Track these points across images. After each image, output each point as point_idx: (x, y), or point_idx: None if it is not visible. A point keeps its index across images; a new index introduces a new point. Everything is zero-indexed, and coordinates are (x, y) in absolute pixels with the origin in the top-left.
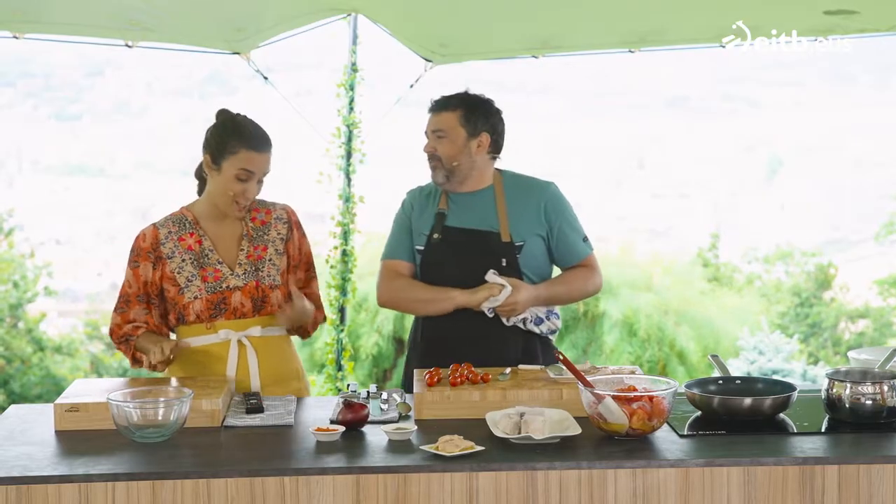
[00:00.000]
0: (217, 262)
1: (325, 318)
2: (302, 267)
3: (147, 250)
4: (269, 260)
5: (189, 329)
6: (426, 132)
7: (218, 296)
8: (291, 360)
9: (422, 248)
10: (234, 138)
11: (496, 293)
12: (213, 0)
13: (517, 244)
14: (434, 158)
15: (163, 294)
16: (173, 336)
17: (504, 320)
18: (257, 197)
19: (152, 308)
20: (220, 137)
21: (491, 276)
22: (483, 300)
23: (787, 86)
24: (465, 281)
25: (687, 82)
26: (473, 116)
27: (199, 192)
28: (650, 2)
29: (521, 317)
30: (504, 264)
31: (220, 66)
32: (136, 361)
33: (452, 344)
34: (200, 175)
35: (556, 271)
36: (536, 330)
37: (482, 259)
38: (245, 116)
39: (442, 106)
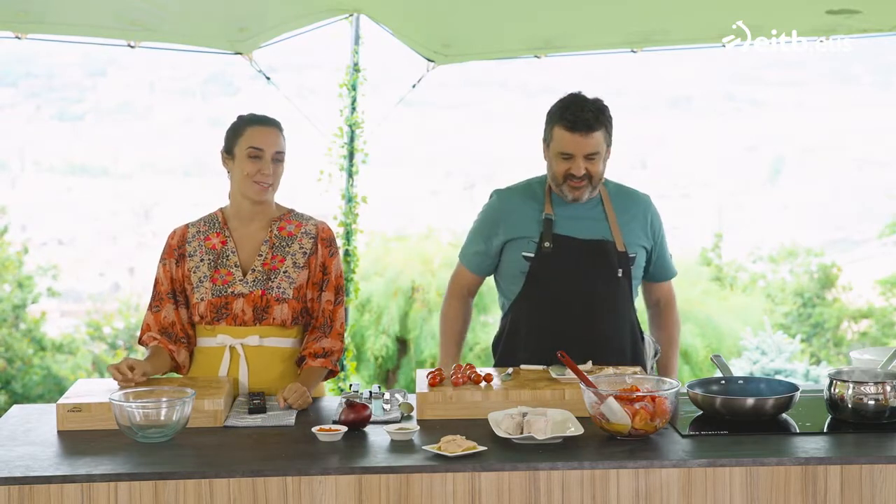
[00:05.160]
0: (234, 264)
1: (343, 348)
2: (330, 289)
3: (173, 247)
4: (284, 272)
5: (198, 329)
6: (568, 153)
7: (221, 300)
8: (287, 375)
9: (531, 255)
10: (241, 123)
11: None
12: (215, 0)
13: (630, 255)
14: (583, 179)
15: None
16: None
17: None
18: (298, 210)
19: (180, 306)
20: (231, 128)
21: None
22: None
23: (789, 86)
24: (580, 291)
25: (689, 82)
26: (610, 129)
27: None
28: (652, 2)
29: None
30: (620, 274)
31: (222, 67)
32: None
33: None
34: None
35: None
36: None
37: (599, 270)
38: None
39: (592, 126)
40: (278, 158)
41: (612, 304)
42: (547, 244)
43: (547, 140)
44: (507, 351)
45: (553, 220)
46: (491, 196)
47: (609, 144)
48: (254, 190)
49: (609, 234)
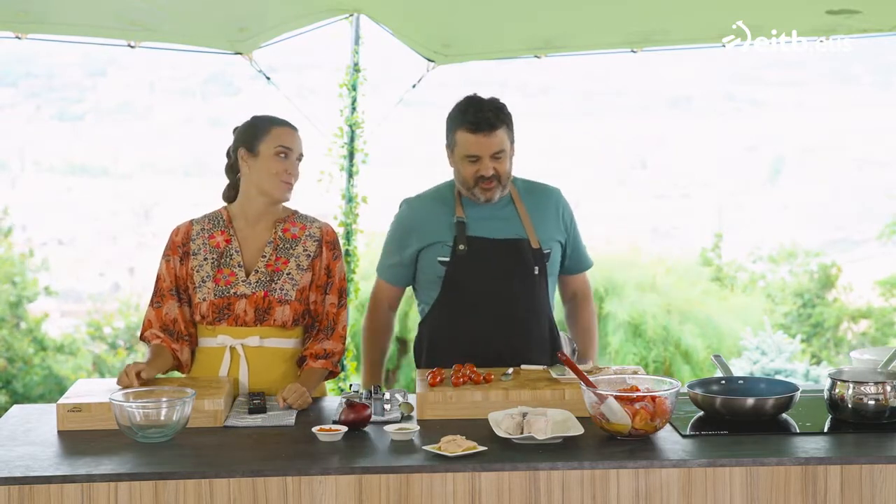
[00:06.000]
0: (238, 264)
1: (344, 350)
2: (334, 292)
3: (178, 244)
4: (288, 273)
5: (199, 328)
6: (474, 155)
7: (224, 301)
8: (289, 376)
9: (446, 259)
10: (265, 122)
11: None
12: (215, 0)
13: (545, 251)
14: (492, 180)
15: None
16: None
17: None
18: (301, 212)
19: (183, 303)
20: (252, 127)
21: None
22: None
23: (789, 86)
24: (497, 292)
25: (689, 82)
26: (511, 126)
27: (225, 195)
28: (652, 2)
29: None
30: (536, 272)
31: (222, 67)
32: None
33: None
34: (233, 178)
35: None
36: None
37: (515, 269)
38: None
39: (494, 124)
40: (299, 160)
41: (530, 303)
42: (461, 247)
43: (451, 145)
44: (430, 357)
45: (465, 222)
46: (401, 206)
47: (512, 142)
48: (280, 189)
49: (523, 233)
